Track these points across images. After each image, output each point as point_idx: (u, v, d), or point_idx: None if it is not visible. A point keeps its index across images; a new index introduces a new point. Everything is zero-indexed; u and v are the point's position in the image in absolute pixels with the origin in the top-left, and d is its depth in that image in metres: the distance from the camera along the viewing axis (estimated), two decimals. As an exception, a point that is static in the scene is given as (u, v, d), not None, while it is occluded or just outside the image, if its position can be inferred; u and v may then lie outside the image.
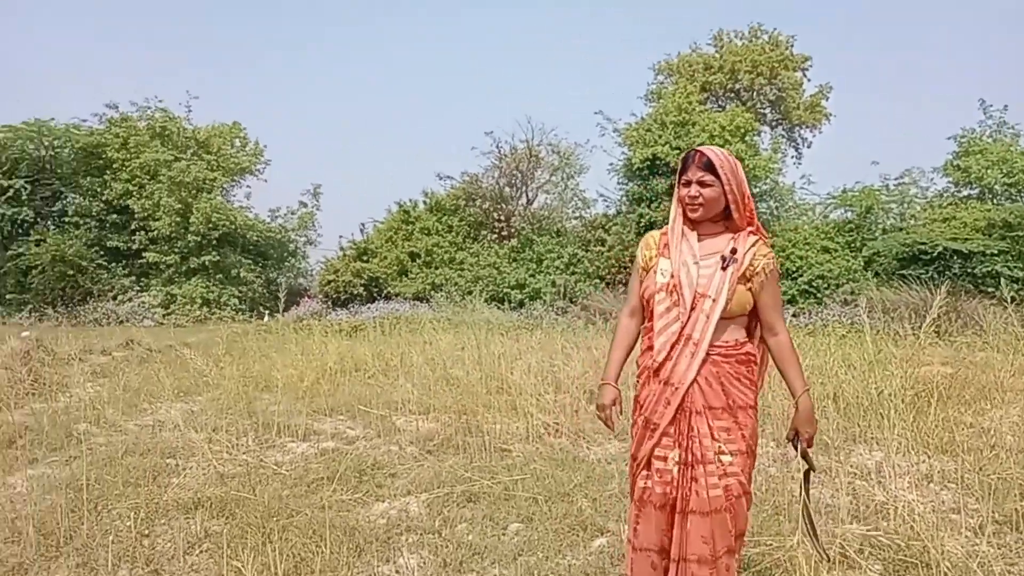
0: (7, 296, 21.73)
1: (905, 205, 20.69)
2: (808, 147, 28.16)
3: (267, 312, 18.31)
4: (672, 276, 2.54)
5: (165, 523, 3.95)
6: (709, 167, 2.51)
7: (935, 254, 16.98)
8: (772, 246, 2.69)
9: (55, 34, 51.02)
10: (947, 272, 16.55)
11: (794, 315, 16.32)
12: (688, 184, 2.55)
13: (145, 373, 8.52)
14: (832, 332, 7.64)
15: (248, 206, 25.08)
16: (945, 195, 20.81)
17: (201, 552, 3.60)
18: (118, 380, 8.10)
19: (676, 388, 2.50)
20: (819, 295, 18.04)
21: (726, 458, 2.47)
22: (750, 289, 2.52)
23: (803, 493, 2.77)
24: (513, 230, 22.36)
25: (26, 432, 5.75)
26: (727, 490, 2.46)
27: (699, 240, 2.58)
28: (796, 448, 2.64)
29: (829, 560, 2.95)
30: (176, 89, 54.60)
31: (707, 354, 2.48)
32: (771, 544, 3.34)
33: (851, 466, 4.65)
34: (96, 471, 4.66)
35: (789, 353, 2.58)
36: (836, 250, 19.16)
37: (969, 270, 16.73)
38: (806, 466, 2.72)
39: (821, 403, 5.81)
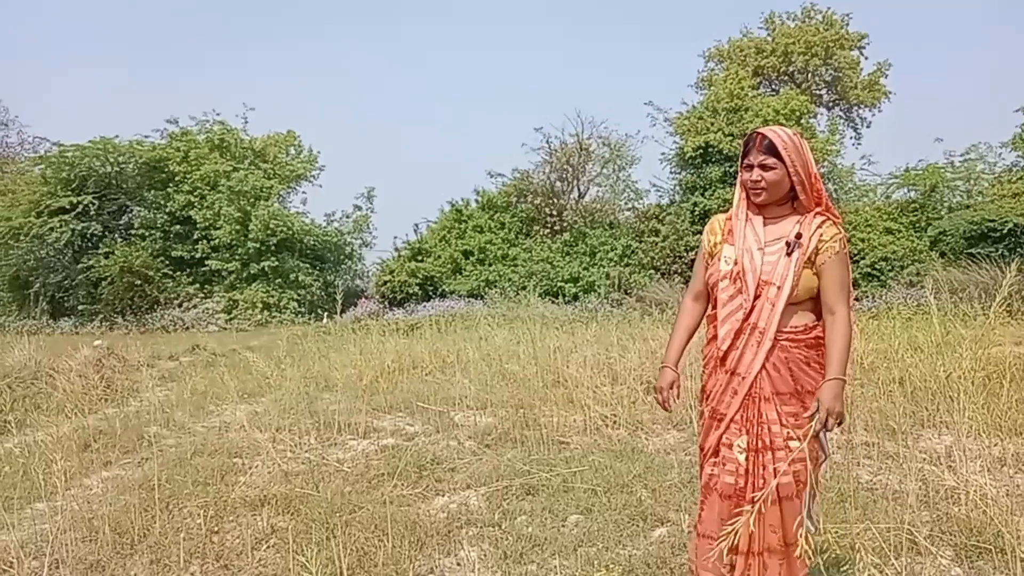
0: (79, 307, 22.61)
1: (972, 182, 19.95)
2: (867, 127, 27.38)
3: (326, 314, 18.66)
4: (736, 263, 2.48)
5: (233, 520, 4.06)
6: (771, 149, 2.42)
7: (1005, 231, 16.35)
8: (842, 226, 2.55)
9: (117, 57, 52.84)
10: (1019, 249, 15.90)
11: (857, 299, 15.86)
12: (750, 168, 2.47)
13: (210, 376, 8.77)
14: (897, 315, 7.41)
15: (304, 211, 25.61)
16: (1015, 170, 19.96)
17: (268, 548, 3.70)
18: (185, 384, 8.36)
19: (743, 378, 2.45)
20: (883, 278, 17.53)
21: (795, 444, 2.40)
22: (815, 272, 2.44)
23: (809, 482, 2.43)
24: (565, 224, 22.31)
25: (100, 436, 5.98)
26: (796, 476, 2.40)
27: (764, 225, 2.51)
28: (812, 422, 2.38)
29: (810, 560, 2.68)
30: (233, 102, 56.02)
31: (775, 340, 2.42)
32: (836, 532, 3.26)
33: (920, 451, 4.51)
34: (167, 471, 4.82)
35: (841, 332, 2.41)
36: (900, 231, 18.59)
37: (1042, 246, 16.06)
38: (821, 455, 2.47)
39: (887, 387, 5.65)
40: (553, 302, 17.90)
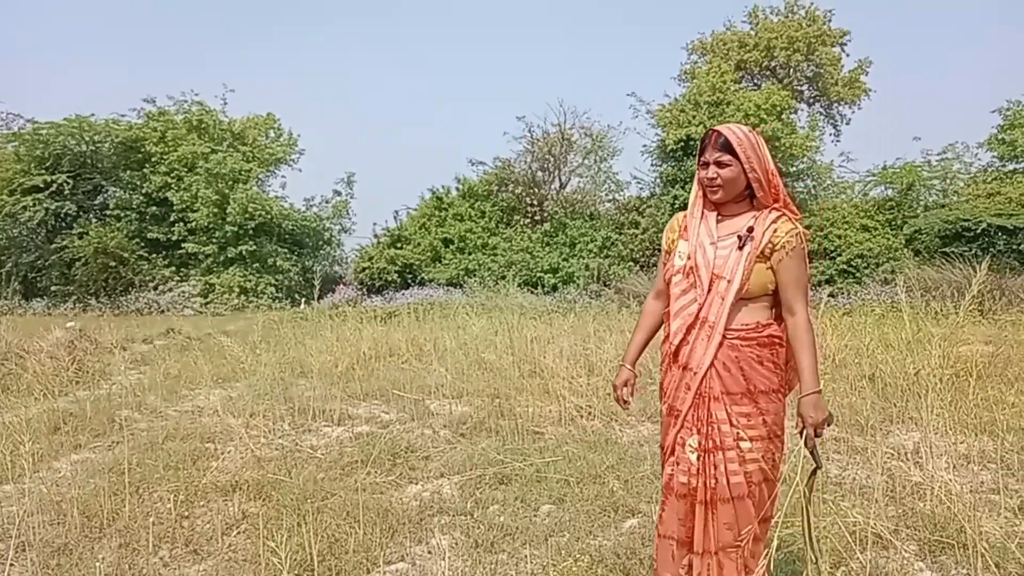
0: (52, 288, 22.31)
1: (948, 181, 20.21)
2: (847, 124, 27.55)
3: (303, 300, 18.56)
4: (689, 258, 2.48)
5: (204, 505, 4.04)
6: (726, 147, 2.40)
7: (979, 231, 16.58)
8: (807, 224, 2.53)
9: (90, 30, 51.96)
10: (991, 249, 16.14)
11: (831, 295, 16.04)
12: (706, 165, 2.45)
13: (185, 361, 8.69)
14: (870, 312, 7.50)
15: (283, 196, 25.48)
16: (990, 170, 20.25)
17: (239, 533, 3.68)
18: (159, 368, 8.29)
19: (695, 373, 2.43)
20: (858, 274, 17.73)
21: (745, 444, 2.38)
22: (770, 267, 2.40)
23: (804, 496, 2.50)
24: (546, 214, 22.32)
25: (70, 419, 5.91)
26: (748, 476, 2.38)
27: (720, 221, 2.50)
28: (802, 439, 2.40)
29: (819, 573, 2.76)
30: (211, 82, 55.30)
31: (724, 337, 2.40)
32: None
33: (888, 446, 4.58)
34: (138, 455, 4.78)
35: (804, 337, 2.39)
36: (876, 228, 18.80)
37: (1015, 247, 16.32)
38: (812, 465, 2.46)
39: (858, 383, 5.72)
40: (532, 292, 17.93)
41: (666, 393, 2.56)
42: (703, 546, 2.45)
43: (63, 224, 22.60)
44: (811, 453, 2.42)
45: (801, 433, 2.40)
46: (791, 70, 25.67)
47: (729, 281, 2.39)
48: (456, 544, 3.52)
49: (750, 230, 2.42)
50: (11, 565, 3.26)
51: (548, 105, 35.30)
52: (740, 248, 2.41)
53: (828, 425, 2.42)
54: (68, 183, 22.20)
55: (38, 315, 19.77)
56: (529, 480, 4.37)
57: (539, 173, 23.43)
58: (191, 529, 3.74)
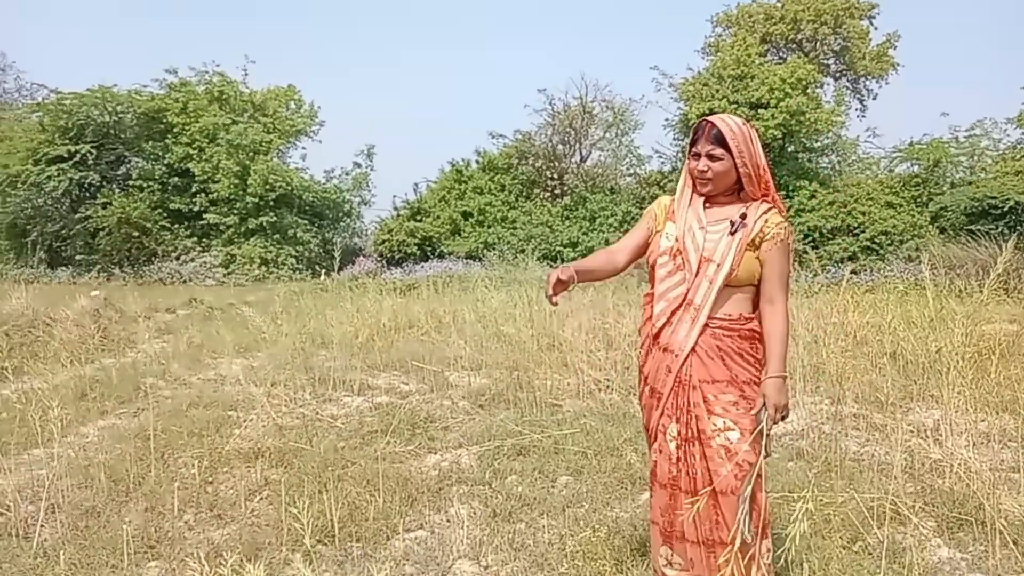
0: (76, 257, 22.58)
1: (975, 158, 19.84)
2: (874, 99, 27.02)
3: (323, 271, 18.65)
4: (677, 240, 2.45)
5: (227, 471, 4.11)
6: (719, 139, 2.37)
7: (1006, 208, 16.30)
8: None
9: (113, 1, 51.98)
10: (1018, 227, 15.88)
11: (854, 272, 15.89)
12: (697, 157, 2.42)
13: (207, 330, 8.80)
14: (893, 289, 7.43)
15: (304, 167, 25.51)
16: (1019, 147, 19.85)
17: (261, 499, 3.75)
18: (182, 337, 8.41)
19: (676, 355, 2.41)
20: (882, 251, 17.53)
21: (733, 435, 2.34)
22: (758, 257, 2.38)
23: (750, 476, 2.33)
24: (566, 188, 22.21)
25: (97, 386, 6.02)
26: (739, 469, 2.32)
27: (707, 208, 2.47)
28: (761, 420, 2.33)
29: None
30: (233, 54, 55.31)
31: (706, 325, 2.38)
32: (822, 500, 3.31)
33: (908, 424, 4.56)
34: (163, 422, 4.86)
35: (780, 327, 2.37)
36: (901, 205, 18.54)
37: (1042, 225, 16.04)
38: (764, 453, 2.36)
39: (879, 360, 5.69)
40: (551, 266, 17.89)
41: (648, 376, 2.53)
42: (695, 536, 2.42)
43: (87, 194, 22.81)
44: (760, 438, 2.34)
45: (757, 414, 2.34)
46: (817, 43, 25.18)
47: (719, 265, 2.37)
48: (475, 513, 3.57)
49: (743, 216, 2.40)
50: (41, 526, 3.34)
51: (570, 78, 34.94)
52: (732, 234, 2.39)
53: (786, 416, 2.39)
54: (91, 153, 22.35)
55: (63, 284, 20.06)
56: (547, 452, 4.40)
57: (560, 146, 23.26)
58: (215, 494, 3.82)
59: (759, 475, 2.36)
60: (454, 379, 6.42)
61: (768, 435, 2.36)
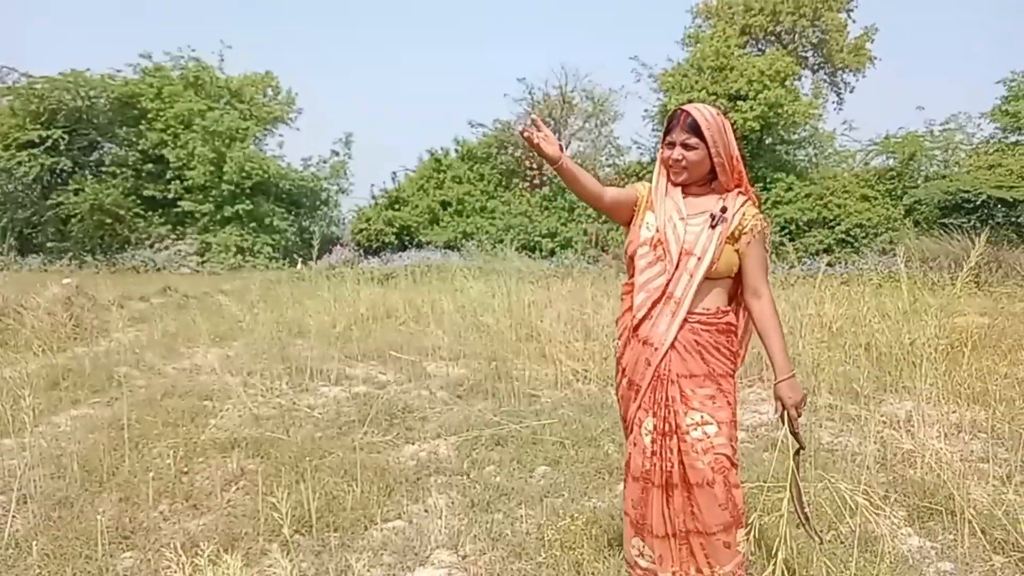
0: (48, 244, 22.23)
1: (950, 152, 20.11)
2: (851, 92, 27.24)
3: (300, 260, 18.54)
4: (658, 231, 2.45)
5: (203, 462, 4.08)
6: (694, 128, 2.38)
7: (978, 202, 16.56)
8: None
9: (88, -18, 51.02)
10: (990, 221, 16.14)
11: (829, 264, 16.06)
12: (672, 146, 2.43)
13: (182, 319, 8.71)
14: (867, 281, 7.52)
15: (281, 155, 25.24)
16: (992, 141, 20.14)
17: (237, 489, 3.72)
18: (156, 325, 8.32)
19: (656, 348, 2.41)
20: (857, 244, 17.74)
21: (710, 428, 2.36)
22: (737, 250, 2.41)
23: (792, 475, 2.49)
24: (545, 178, 22.20)
25: (69, 374, 5.93)
26: (716, 462, 2.35)
27: (684, 198, 2.47)
28: (783, 422, 2.41)
29: (822, 542, 2.82)
30: (208, 38, 54.53)
31: (686, 319, 2.39)
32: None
33: (881, 415, 4.62)
34: (136, 412, 4.81)
35: (773, 320, 2.42)
36: (876, 198, 18.76)
37: (1013, 219, 16.32)
38: (796, 445, 2.45)
39: (853, 352, 5.76)
40: (530, 256, 17.89)
41: (625, 368, 2.53)
42: (663, 530, 2.44)
43: (58, 180, 22.44)
44: (794, 435, 2.42)
45: (782, 417, 2.41)
46: (796, 36, 25.34)
47: (699, 258, 2.38)
48: (452, 503, 3.57)
49: (723, 210, 2.41)
50: (13, 516, 3.30)
51: (550, 68, 34.86)
52: (712, 227, 2.39)
53: (803, 405, 2.43)
54: (63, 139, 21.98)
55: (34, 271, 19.72)
56: (525, 442, 4.41)
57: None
58: (190, 484, 3.78)
59: (734, 465, 2.39)
60: (432, 369, 6.42)
61: (798, 433, 2.42)
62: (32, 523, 3.27)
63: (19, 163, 21.33)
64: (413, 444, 4.48)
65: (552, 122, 23.15)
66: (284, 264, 20.83)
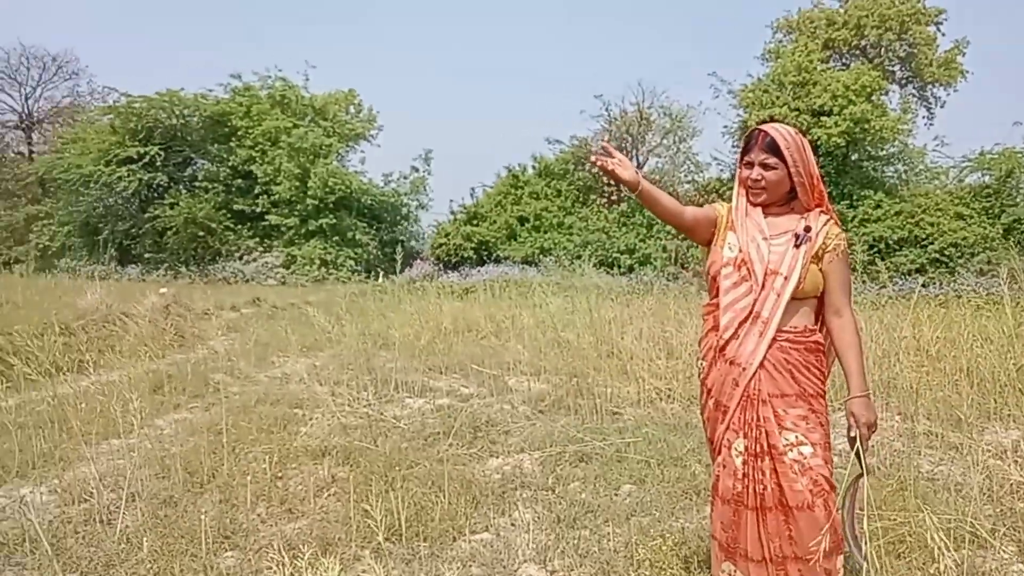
0: (145, 255, 23.39)
1: (1051, 169, 19.10)
2: (941, 107, 26.19)
3: (381, 273, 18.95)
4: (740, 251, 2.42)
5: (296, 468, 4.20)
6: (773, 148, 2.36)
7: (1084, 222, 15.67)
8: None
9: (181, 6, 53.70)
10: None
11: (924, 285, 15.44)
12: (751, 166, 2.41)
13: (271, 328, 9.01)
14: (967, 303, 7.19)
15: (362, 171, 25.95)
16: (1097, 158, 19.04)
17: (329, 495, 3.83)
18: (247, 334, 8.62)
19: (743, 369, 2.37)
20: (951, 264, 17.00)
21: (806, 449, 2.30)
22: (821, 269, 2.38)
23: (846, 499, 2.45)
24: (623, 194, 22.11)
25: (169, 380, 6.21)
26: (815, 484, 2.28)
27: (765, 218, 2.45)
28: (852, 443, 2.37)
29: (867, 565, 2.66)
30: (294, 58, 56.57)
31: (774, 338, 2.35)
32: (895, 519, 3.23)
33: (986, 444, 4.41)
34: (232, 417, 4.98)
35: (852, 338, 2.38)
36: (971, 217, 17.96)
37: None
38: (859, 469, 2.41)
39: (953, 377, 5.52)
40: (608, 273, 17.83)
41: (711, 389, 2.50)
42: (760, 554, 2.37)
43: (155, 194, 23.61)
44: (858, 456, 2.37)
45: (852, 438, 2.37)
46: (882, 49, 24.56)
47: (786, 278, 2.35)
48: (539, 518, 3.58)
49: (807, 229, 2.39)
50: (123, 514, 3.47)
51: (626, 84, 34.75)
52: (797, 246, 2.37)
53: (875, 428, 2.39)
54: (160, 155, 23.14)
55: (132, 280, 20.75)
56: (609, 460, 4.39)
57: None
58: (285, 489, 3.91)
59: (832, 490, 2.33)
60: (513, 383, 6.45)
61: (865, 453, 2.36)
62: (140, 520, 3.44)
63: (119, 178, 22.53)
64: (497, 458, 4.51)
65: (629, 139, 23.08)
66: (366, 277, 21.33)
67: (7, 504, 3.71)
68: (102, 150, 23.25)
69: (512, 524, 3.52)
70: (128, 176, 22.56)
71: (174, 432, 4.85)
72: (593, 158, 2.43)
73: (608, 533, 3.38)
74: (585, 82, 51.13)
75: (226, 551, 3.17)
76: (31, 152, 34.75)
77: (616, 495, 3.89)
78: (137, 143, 23.08)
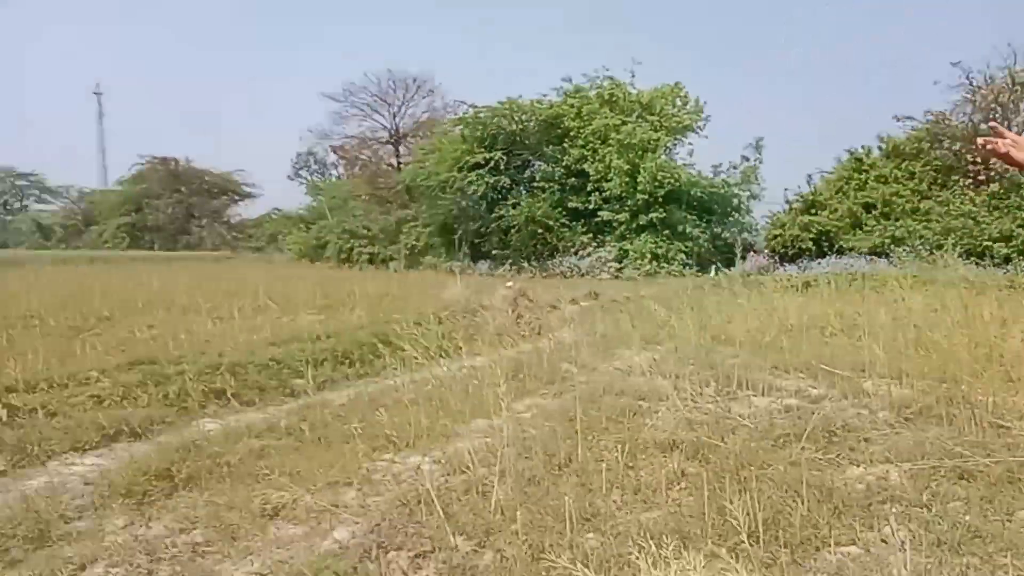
0: (493, 252, 25.68)
1: None
2: None
3: (714, 267, 18.63)
4: None
5: (645, 459, 4.30)
6: None
7: None
8: None
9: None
10: None
11: None
12: None
13: (610, 321, 9.32)
14: None
15: (691, 163, 25.68)
16: None
17: (681, 489, 3.85)
18: (588, 326, 9.02)
19: None
20: None
21: None
22: None
23: None
24: (993, 173, 19.15)
25: (524, 367, 6.73)
26: None
27: None
28: None
29: None
30: (621, 58, 57.98)
31: None
32: None
33: None
34: (582, 405, 5.25)
35: None
36: None
37: None
38: None
39: None
40: (978, 264, 15.55)
41: None
42: None
43: (499, 196, 25.78)
44: None
45: None
46: None
47: None
48: (914, 538, 3.23)
49: None
50: (496, 488, 3.83)
51: (993, 46, 29.83)
52: None
53: None
54: (503, 159, 25.19)
55: (483, 275, 22.91)
56: (998, 479, 3.82)
57: (983, 126, 20.12)
58: (636, 479, 4.01)
59: None
60: (870, 387, 5.91)
61: None
62: (510, 496, 3.77)
63: (470, 183, 24.98)
64: (858, 466, 4.17)
65: (998, 109, 19.88)
66: (698, 271, 21.15)
67: (403, 470, 4.31)
68: (455, 158, 25.96)
69: (883, 540, 3.23)
70: (477, 180, 24.91)
71: (531, 416, 5.24)
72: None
73: (1004, 564, 2.95)
74: (935, 48, 45.02)
75: (587, 532, 3.35)
76: (399, 163, 40.34)
77: (1009, 521, 3.38)
78: (483, 149, 25.38)
